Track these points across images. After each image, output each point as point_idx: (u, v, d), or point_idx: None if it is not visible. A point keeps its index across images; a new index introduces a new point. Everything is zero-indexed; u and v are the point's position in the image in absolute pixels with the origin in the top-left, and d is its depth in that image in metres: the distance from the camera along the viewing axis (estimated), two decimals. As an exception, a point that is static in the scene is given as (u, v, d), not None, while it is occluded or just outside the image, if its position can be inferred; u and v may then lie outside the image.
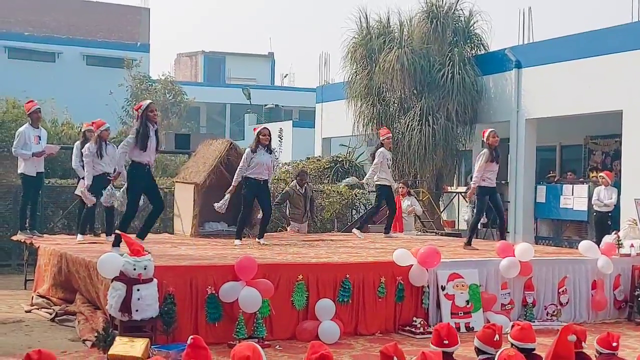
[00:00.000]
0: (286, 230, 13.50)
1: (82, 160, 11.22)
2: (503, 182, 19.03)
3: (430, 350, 4.97)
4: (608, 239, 10.59)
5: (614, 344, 5.45)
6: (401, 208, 14.15)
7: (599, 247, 10.19)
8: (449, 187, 20.12)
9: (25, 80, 26.13)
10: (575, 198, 16.26)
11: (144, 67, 29.35)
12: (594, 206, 14.71)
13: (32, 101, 11.59)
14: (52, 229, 13.34)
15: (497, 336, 5.26)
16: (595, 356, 5.51)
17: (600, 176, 14.79)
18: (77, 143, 11.62)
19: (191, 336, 4.74)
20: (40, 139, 11.19)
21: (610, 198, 14.28)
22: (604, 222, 14.24)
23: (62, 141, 16.80)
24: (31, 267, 11.22)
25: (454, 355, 5.32)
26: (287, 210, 13.71)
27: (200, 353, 4.59)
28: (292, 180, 13.96)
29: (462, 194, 19.61)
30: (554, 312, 9.40)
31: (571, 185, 16.66)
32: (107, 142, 10.90)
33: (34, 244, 10.87)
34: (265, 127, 10.93)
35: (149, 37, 34.95)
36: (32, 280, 10.79)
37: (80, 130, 12.34)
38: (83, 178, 11.34)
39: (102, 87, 26.80)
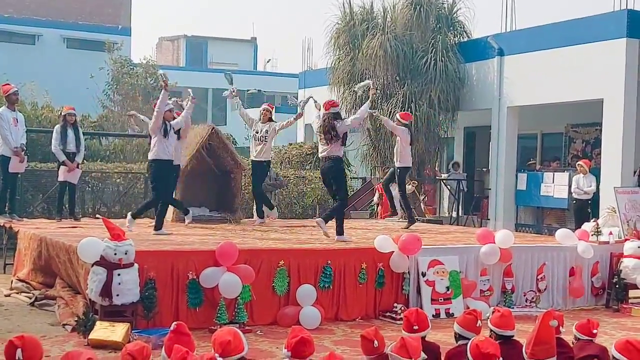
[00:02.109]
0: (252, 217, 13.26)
1: (61, 144, 11.17)
2: (484, 169, 19.18)
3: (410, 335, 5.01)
4: (587, 226, 10.70)
5: (594, 331, 5.51)
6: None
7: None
8: (442, 174, 20.20)
9: (4, 63, 25.78)
10: (555, 186, 16.38)
11: (126, 50, 29.03)
12: (573, 194, 14.83)
13: (8, 84, 11.47)
14: (31, 213, 13.24)
15: (479, 322, 5.31)
16: (573, 342, 5.58)
17: (578, 164, 14.89)
18: (57, 127, 11.53)
19: (175, 322, 4.74)
20: (17, 122, 11.10)
21: (589, 186, 14.39)
22: (584, 210, 14.36)
23: (42, 125, 16.65)
24: (10, 251, 11.14)
25: (431, 340, 5.37)
26: None
27: (183, 339, 4.59)
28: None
29: (444, 181, 19.74)
30: (532, 298, 9.48)
31: (552, 173, 16.78)
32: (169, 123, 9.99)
33: (13, 228, 10.79)
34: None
35: (131, 21, 34.59)
36: (12, 264, 10.72)
37: (60, 113, 12.23)
38: (63, 162, 11.29)
39: (82, 70, 26.47)
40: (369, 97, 11.07)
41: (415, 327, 5.26)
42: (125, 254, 7.20)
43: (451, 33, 18.41)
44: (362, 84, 11.98)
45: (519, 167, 17.79)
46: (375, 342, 4.74)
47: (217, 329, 6.44)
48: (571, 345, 5.51)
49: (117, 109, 24.94)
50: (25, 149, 11.21)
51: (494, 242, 9.37)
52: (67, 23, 31.96)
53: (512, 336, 5.33)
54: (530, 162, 18.23)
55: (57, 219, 11.43)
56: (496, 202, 17.35)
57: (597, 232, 10.43)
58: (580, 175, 14.57)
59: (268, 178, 13.30)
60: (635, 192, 13.12)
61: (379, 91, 18.39)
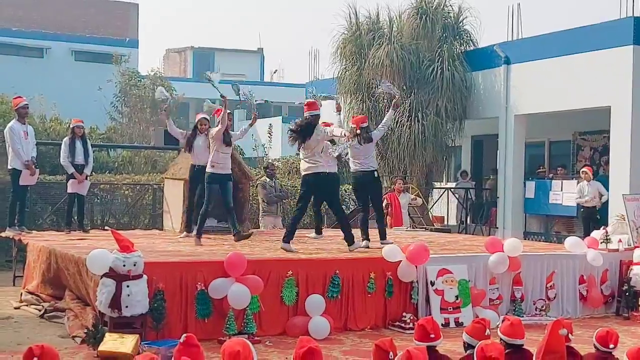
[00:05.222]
0: (259, 227, 13.27)
1: (69, 157, 11.21)
2: (492, 177, 19.13)
3: (415, 346, 4.97)
4: (596, 234, 10.66)
5: (611, 345, 5.44)
6: (400, 204, 14.34)
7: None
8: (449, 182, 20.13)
9: (13, 76, 25.94)
10: (564, 194, 16.33)
11: (133, 62, 29.21)
12: (578, 202, 14.76)
13: (20, 97, 11.53)
14: (40, 225, 13.28)
15: (487, 330, 5.29)
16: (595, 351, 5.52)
17: (582, 171, 14.82)
18: (66, 139, 11.57)
19: (185, 334, 4.74)
20: (28, 135, 11.16)
21: (594, 193, 14.30)
22: (593, 218, 14.28)
23: (51, 137, 16.74)
24: (20, 264, 11.18)
25: (438, 349, 5.34)
26: (260, 206, 13.68)
27: (192, 350, 4.59)
28: (262, 175, 14.02)
29: (452, 189, 19.70)
30: (542, 307, 9.45)
31: (560, 181, 16.73)
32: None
33: (22, 241, 10.83)
34: None
35: (138, 33, 34.79)
36: (21, 276, 10.75)
37: (69, 126, 12.29)
38: (72, 174, 11.34)
39: (90, 82, 26.63)
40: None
41: (432, 335, 5.23)
42: (134, 265, 7.22)
43: (457, 42, 18.43)
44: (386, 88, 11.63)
45: (527, 175, 17.75)
46: (391, 353, 4.71)
47: (226, 339, 6.46)
48: (581, 354, 5.47)
49: (125, 120, 25.06)
50: (35, 162, 11.26)
51: (503, 251, 9.35)
52: (75, 36, 32.18)
53: (522, 345, 5.30)
54: (539, 170, 18.16)
55: (66, 231, 11.46)
56: (504, 210, 17.31)
57: (607, 240, 10.39)
58: (584, 182, 14.50)
59: (273, 189, 13.34)
60: (644, 199, 13.06)
61: (386, 101, 18.43)
